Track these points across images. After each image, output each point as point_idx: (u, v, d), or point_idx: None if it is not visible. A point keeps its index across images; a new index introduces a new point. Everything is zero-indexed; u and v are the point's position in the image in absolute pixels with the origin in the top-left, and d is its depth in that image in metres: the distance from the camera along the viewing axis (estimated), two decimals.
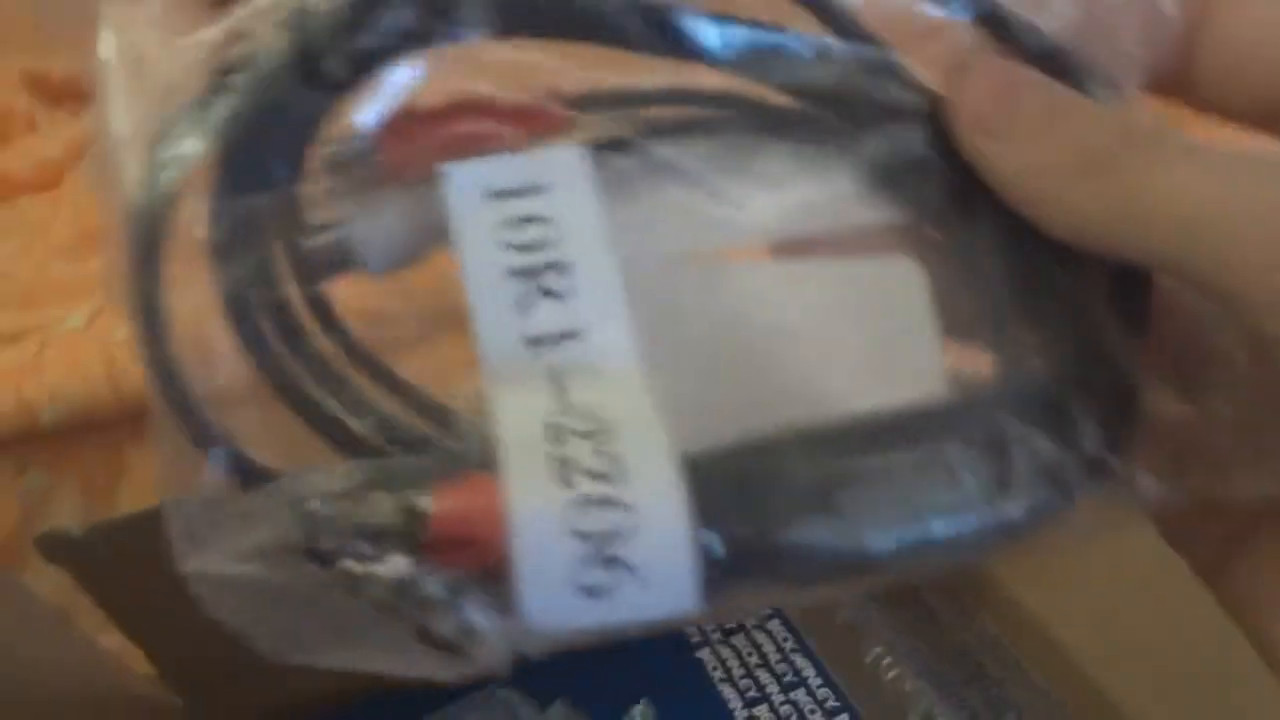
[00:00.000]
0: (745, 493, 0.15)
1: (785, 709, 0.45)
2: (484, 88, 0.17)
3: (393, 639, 0.14)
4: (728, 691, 0.46)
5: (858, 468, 0.16)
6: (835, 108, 0.18)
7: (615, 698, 0.44)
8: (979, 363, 0.18)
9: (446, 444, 0.16)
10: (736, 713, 0.45)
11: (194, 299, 0.15)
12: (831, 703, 0.46)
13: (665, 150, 0.17)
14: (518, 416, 0.15)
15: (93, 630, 0.49)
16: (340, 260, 0.17)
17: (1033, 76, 0.17)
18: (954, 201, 0.18)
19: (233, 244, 0.15)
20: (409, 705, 0.44)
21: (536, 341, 0.15)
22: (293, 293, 0.17)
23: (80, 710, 0.41)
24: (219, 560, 0.14)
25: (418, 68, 0.16)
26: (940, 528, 0.16)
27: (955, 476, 0.16)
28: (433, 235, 0.17)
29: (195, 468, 0.15)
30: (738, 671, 0.47)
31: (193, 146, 0.15)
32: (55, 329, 0.69)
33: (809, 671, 0.47)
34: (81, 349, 0.65)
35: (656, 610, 0.14)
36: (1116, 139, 0.16)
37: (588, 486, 0.14)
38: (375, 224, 0.17)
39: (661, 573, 0.14)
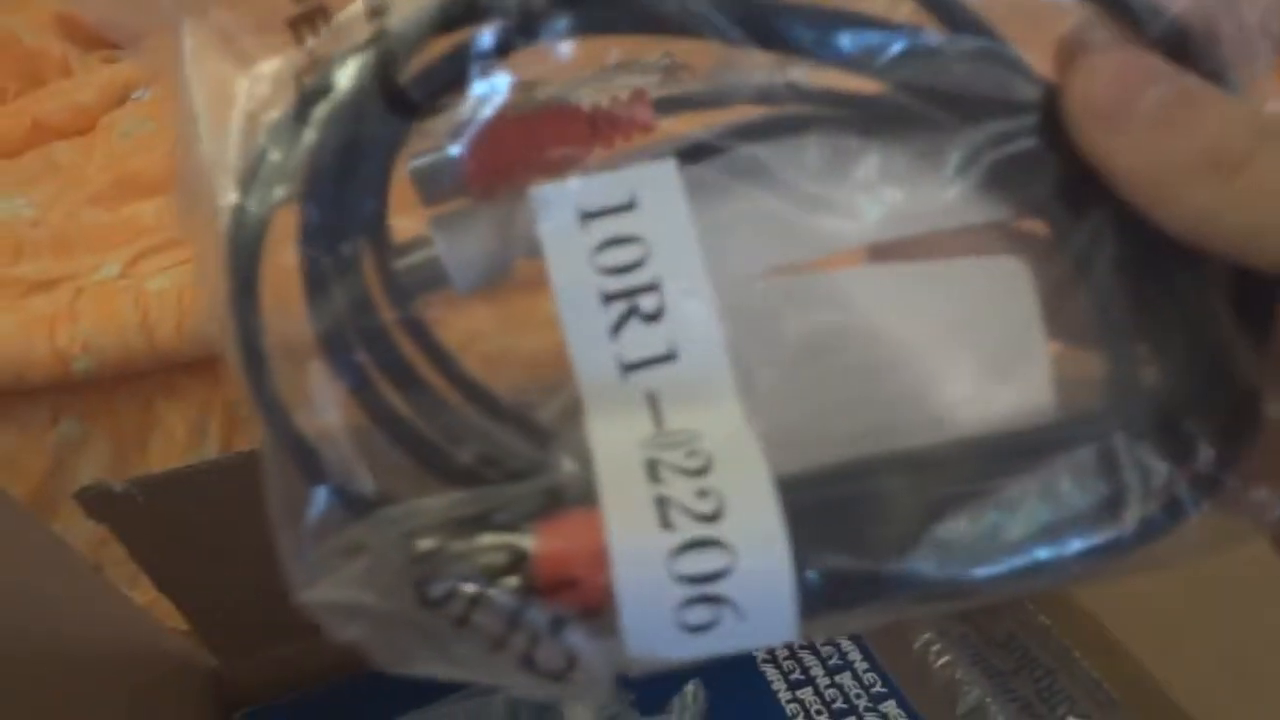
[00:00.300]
0: (846, 522, 0.15)
1: (830, 693, 0.44)
2: (566, 93, 0.16)
3: (502, 668, 0.14)
4: (771, 673, 0.45)
5: (963, 494, 0.15)
6: (938, 101, 0.16)
7: (665, 677, 0.43)
8: (1089, 368, 0.17)
9: (547, 473, 0.15)
10: (780, 694, 0.44)
11: (290, 331, 0.15)
12: (878, 688, 0.44)
13: (757, 152, 0.17)
14: (616, 448, 0.15)
15: (124, 585, 0.49)
16: (428, 280, 0.17)
17: (1155, 64, 0.16)
18: (1065, 198, 0.16)
19: (325, 275, 0.15)
20: None
21: (632, 367, 0.15)
22: (388, 318, 0.16)
23: (111, 664, 0.41)
24: (331, 590, 0.14)
25: (500, 79, 0.15)
26: (1047, 552, 0.15)
27: (1064, 499, 0.15)
28: (519, 249, 0.16)
29: (304, 499, 0.15)
30: (782, 653, 0.46)
31: (280, 180, 0.15)
32: (89, 278, 0.68)
33: (855, 655, 0.46)
34: (115, 299, 0.65)
35: (756, 640, 0.14)
36: (1248, 136, 0.15)
37: (688, 529, 0.14)
38: (462, 241, 0.17)
39: (762, 607, 0.14)
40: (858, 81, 0.17)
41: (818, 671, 0.45)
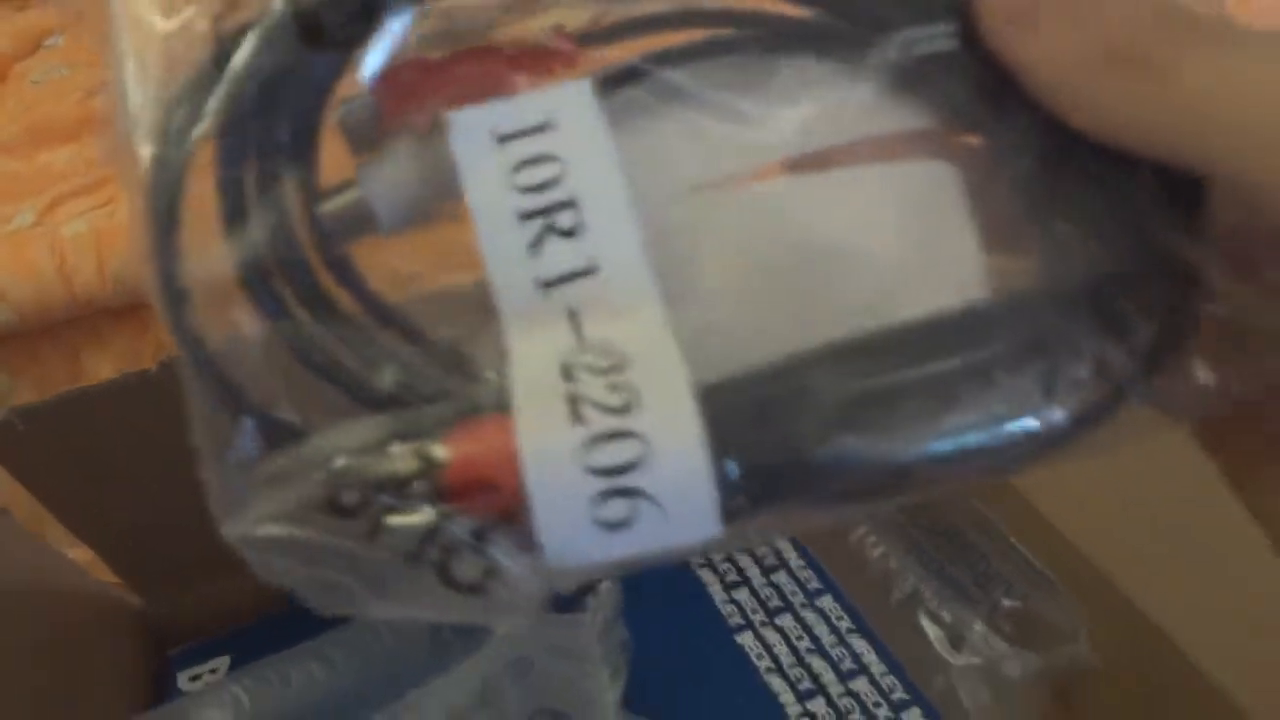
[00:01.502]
0: (767, 416, 0.15)
1: (766, 592, 0.44)
2: (486, 30, 0.16)
3: (423, 588, 0.14)
4: (708, 576, 0.45)
5: (888, 382, 0.15)
6: (853, 13, 0.17)
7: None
8: (1023, 265, 0.17)
9: (466, 392, 0.15)
10: (716, 597, 0.44)
11: (212, 266, 0.15)
12: (814, 584, 0.44)
13: (676, 75, 0.17)
14: (534, 358, 0.15)
15: (63, 544, 0.47)
16: (354, 222, 0.17)
17: None
18: (985, 99, 0.16)
19: (242, 201, 0.15)
20: None
21: (551, 282, 0.15)
22: (309, 253, 0.16)
23: (30, 608, 0.40)
24: (255, 524, 0.14)
25: (418, 14, 0.15)
26: (979, 438, 0.15)
27: (995, 383, 0.15)
28: (443, 189, 0.16)
29: (227, 433, 0.15)
30: (718, 556, 0.45)
31: (200, 120, 0.15)
32: (2, 228, 0.66)
33: (791, 554, 0.46)
34: (30, 246, 0.62)
35: (679, 538, 0.14)
36: (1148, 27, 0.14)
37: (600, 421, 0.14)
38: (384, 183, 0.17)
39: (681, 500, 0.14)
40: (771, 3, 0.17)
41: (753, 573, 0.45)
